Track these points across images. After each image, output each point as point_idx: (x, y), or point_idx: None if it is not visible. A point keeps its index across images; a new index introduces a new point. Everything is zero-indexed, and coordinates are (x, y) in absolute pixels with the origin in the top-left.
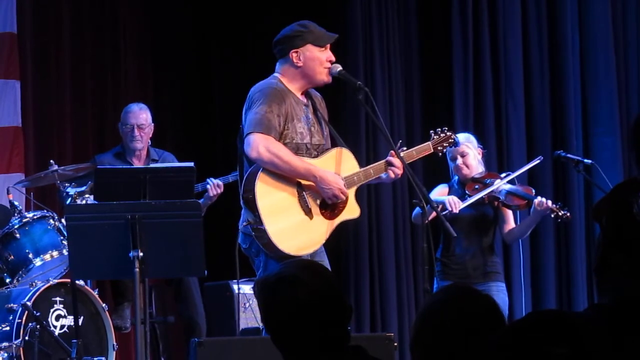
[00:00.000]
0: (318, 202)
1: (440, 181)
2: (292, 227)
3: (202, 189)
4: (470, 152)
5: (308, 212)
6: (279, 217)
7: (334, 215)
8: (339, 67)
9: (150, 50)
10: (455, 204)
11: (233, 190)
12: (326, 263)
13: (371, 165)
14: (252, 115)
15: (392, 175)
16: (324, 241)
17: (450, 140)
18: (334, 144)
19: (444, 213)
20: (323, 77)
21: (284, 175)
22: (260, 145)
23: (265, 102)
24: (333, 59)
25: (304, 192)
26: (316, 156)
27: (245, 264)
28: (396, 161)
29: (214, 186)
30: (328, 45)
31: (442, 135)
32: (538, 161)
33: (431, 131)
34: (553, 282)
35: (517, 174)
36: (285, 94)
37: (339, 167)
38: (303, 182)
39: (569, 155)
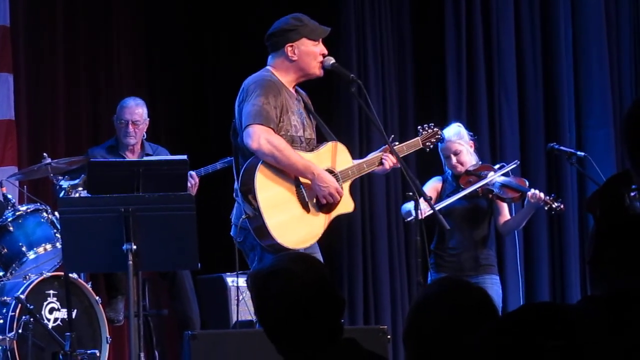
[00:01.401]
0: (315, 195)
1: (433, 174)
2: (292, 221)
3: None
4: (463, 149)
5: (305, 205)
6: (278, 210)
7: (330, 209)
8: (331, 60)
9: (144, 43)
10: (423, 210)
11: (225, 181)
12: (319, 256)
13: (364, 160)
14: (249, 108)
15: (387, 167)
16: (321, 234)
17: (437, 137)
18: (321, 139)
19: (409, 219)
20: (316, 70)
21: (281, 169)
22: (261, 137)
23: (262, 94)
24: (326, 52)
25: (301, 186)
26: (310, 150)
27: (240, 257)
28: (390, 154)
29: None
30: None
31: (429, 131)
32: (514, 165)
33: (419, 127)
34: (546, 274)
35: (509, 169)
36: (280, 87)
37: (334, 160)
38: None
39: (562, 147)
